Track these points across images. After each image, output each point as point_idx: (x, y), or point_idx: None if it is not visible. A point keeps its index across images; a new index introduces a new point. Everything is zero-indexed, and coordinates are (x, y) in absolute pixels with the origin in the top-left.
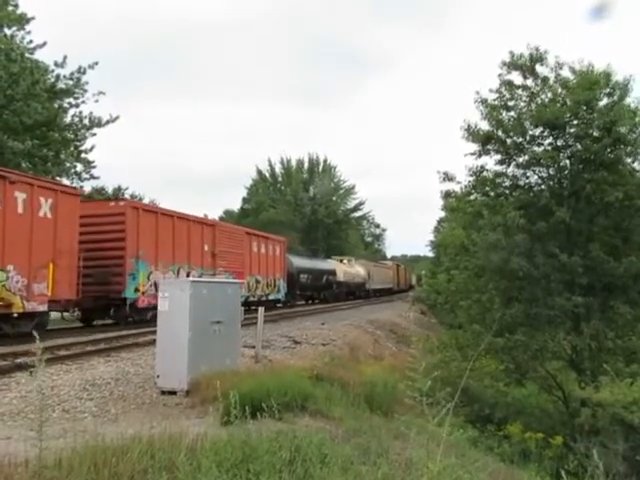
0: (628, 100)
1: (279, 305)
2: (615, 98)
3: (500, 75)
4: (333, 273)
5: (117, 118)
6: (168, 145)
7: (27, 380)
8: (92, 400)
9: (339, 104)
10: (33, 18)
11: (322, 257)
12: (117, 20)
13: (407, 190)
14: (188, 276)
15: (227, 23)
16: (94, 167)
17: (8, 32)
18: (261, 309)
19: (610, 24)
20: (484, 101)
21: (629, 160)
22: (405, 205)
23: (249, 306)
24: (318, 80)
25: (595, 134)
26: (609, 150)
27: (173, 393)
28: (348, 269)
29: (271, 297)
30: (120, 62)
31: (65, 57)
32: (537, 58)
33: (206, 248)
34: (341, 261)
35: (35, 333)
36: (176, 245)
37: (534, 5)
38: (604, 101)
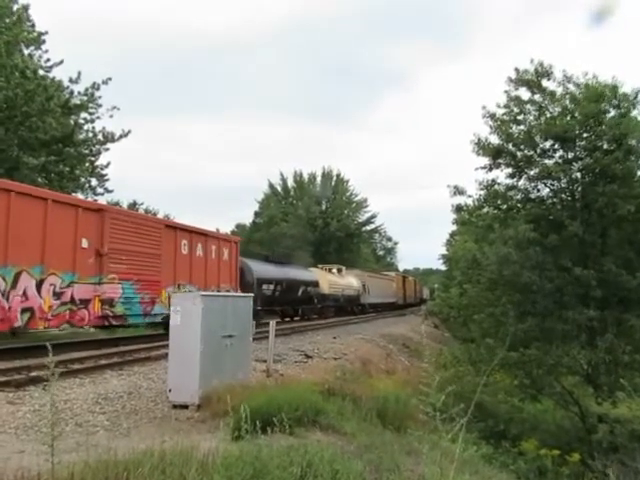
0: (635, 112)
1: None
2: (622, 110)
3: (507, 91)
4: (314, 284)
5: (129, 132)
6: (184, 161)
7: (41, 394)
8: (105, 414)
9: (354, 119)
10: (46, 32)
11: (300, 264)
12: (135, 37)
13: (421, 203)
14: (40, 285)
15: (245, 41)
16: (107, 180)
17: (26, 51)
18: (272, 322)
19: (615, 30)
20: (493, 115)
21: None
22: (418, 218)
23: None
24: (334, 96)
25: (605, 146)
26: (620, 163)
27: (185, 407)
28: (336, 280)
29: None
30: (137, 78)
31: (79, 73)
32: (543, 73)
33: (85, 244)
34: (329, 270)
35: (49, 346)
36: (12, 237)
37: (547, 16)
38: (612, 113)
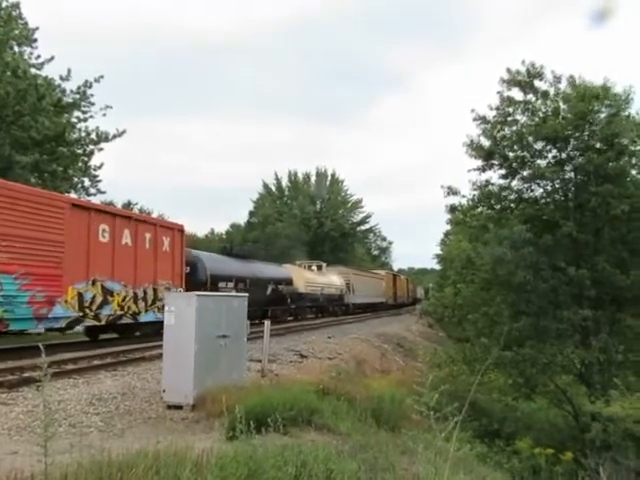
0: (632, 112)
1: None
2: (614, 110)
3: (500, 92)
4: (287, 282)
5: (124, 132)
6: (181, 161)
7: (34, 395)
8: (98, 415)
9: (353, 120)
10: (37, 28)
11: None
12: (132, 37)
13: (416, 203)
14: None
15: (244, 42)
16: (99, 181)
17: (17, 49)
18: (267, 322)
19: (616, 31)
20: (483, 118)
21: (634, 172)
22: (413, 218)
23: (96, 334)
24: (332, 96)
25: (597, 146)
26: (613, 162)
27: (179, 407)
28: (315, 277)
29: (146, 318)
30: (136, 78)
31: (69, 70)
32: (534, 74)
33: None
34: (308, 267)
35: (42, 347)
36: None
37: (547, 16)
38: (604, 114)
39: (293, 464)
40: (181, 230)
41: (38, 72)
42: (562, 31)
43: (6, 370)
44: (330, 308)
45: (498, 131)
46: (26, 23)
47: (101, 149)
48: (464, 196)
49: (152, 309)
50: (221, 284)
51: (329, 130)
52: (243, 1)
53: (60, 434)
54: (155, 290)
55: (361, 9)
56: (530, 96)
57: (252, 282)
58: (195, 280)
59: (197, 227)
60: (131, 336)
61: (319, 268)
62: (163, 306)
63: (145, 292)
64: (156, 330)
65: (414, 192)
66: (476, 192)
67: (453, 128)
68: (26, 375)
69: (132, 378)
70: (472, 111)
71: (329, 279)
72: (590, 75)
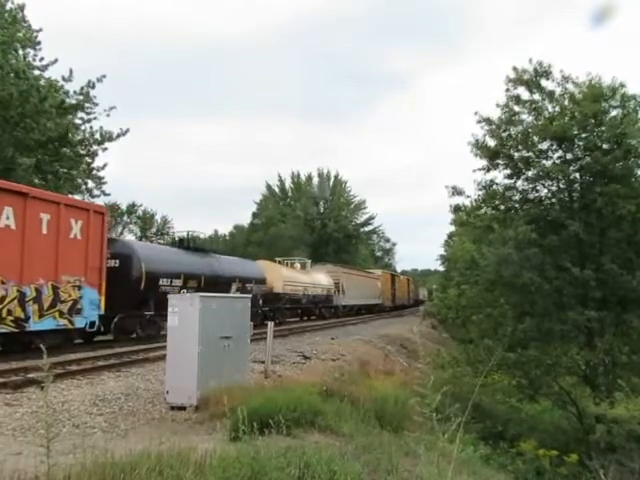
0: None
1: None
2: (626, 111)
3: (507, 91)
4: (259, 281)
5: (127, 131)
6: (184, 163)
7: (38, 395)
8: (102, 415)
9: (353, 121)
10: (40, 30)
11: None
12: (135, 38)
13: (420, 204)
14: None
15: (245, 44)
16: (105, 183)
17: (21, 52)
18: (270, 324)
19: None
20: (487, 120)
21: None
22: (417, 219)
23: None
24: (335, 98)
25: (604, 146)
26: (620, 162)
27: (182, 408)
28: (296, 276)
29: (42, 326)
30: (136, 80)
31: (71, 70)
32: (542, 73)
33: None
34: (291, 265)
35: (43, 348)
36: None
37: (549, 16)
38: (613, 113)
39: (296, 465)
40: (101, 212)
41: (42, 74)
42: (562, 32)
43: (10, 371)
44: (316, 310)
45: (504, 131)
46: (29, 25)
47: (105, 149)
48: (468, 196)
49: (51, 314)
50: (163, 281)
51: (330, 130)
52: (245, 3)
53: (64, 435)
54: (56, 289)
55: (361, 11)
56: (536, 96)
57: (208, 280)
58: (124, 276)
59: (201, 228)
60: (24, 350)
61: (303, 266)
62: (69, 310)
63: (39, 291)
64: (61, 340)
65: (417, 193)
66: (481, 192)
67: (454, 129)
68: (30, 376)
69: (136, 379)
70: (475, 113)
71: (314, 278)
72: (590, 76)
